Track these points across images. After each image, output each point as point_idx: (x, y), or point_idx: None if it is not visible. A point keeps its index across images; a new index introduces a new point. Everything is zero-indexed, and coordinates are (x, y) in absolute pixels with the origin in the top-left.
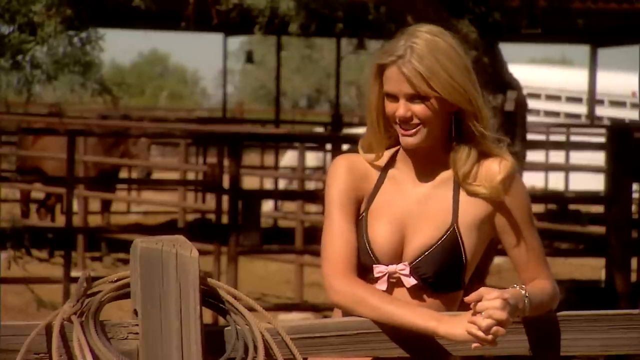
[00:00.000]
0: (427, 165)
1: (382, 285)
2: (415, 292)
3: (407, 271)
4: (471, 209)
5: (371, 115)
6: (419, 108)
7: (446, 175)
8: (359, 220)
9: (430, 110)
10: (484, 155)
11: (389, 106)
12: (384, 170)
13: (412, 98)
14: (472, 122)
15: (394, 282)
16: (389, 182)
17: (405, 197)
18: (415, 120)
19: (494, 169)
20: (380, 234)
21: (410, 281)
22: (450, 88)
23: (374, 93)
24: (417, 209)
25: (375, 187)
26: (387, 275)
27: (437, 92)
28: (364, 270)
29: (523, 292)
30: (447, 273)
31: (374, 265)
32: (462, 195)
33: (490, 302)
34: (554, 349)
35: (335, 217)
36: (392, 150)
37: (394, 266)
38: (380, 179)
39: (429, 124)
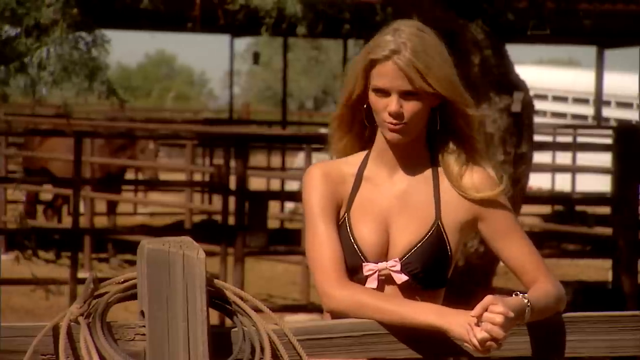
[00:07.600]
0: (405, 160)
1: (372, 283)
2: (406, 289)
3: (397, 267)
4: (452, 209)
5: (350, 111)
6: (410, 105)
7: (424, 171)
8: (341, 222)
9: (420, 106)
10: (470, 156)
11: (379, 101)
12: (359, 172)
13: (406, 94)
14: (460, 117)
15: (384, 280)
16: (366, 183)
17: (385, 195)
18: (406, 117)
19: (482, 180)
20: (365, 232)
21: (401, 277)
22: (446, 83)
23: (359, 88)
24: (398, 205)
25: (353, 188)
26: (376, 272)
27: (434, 88)
28: (352, 270)
29: (525, 301)
30: (434, 269)
31: (363, 264)
32: (443, 193)
33: (492, 315)
34: (557, 352)
35: (319, 225)
36: (363, 153)
37: (384, 263)
38: (357, 181)
39: (418, 120)
